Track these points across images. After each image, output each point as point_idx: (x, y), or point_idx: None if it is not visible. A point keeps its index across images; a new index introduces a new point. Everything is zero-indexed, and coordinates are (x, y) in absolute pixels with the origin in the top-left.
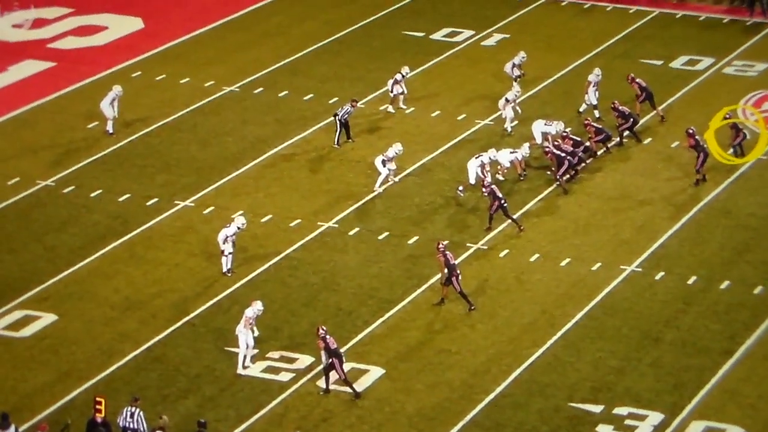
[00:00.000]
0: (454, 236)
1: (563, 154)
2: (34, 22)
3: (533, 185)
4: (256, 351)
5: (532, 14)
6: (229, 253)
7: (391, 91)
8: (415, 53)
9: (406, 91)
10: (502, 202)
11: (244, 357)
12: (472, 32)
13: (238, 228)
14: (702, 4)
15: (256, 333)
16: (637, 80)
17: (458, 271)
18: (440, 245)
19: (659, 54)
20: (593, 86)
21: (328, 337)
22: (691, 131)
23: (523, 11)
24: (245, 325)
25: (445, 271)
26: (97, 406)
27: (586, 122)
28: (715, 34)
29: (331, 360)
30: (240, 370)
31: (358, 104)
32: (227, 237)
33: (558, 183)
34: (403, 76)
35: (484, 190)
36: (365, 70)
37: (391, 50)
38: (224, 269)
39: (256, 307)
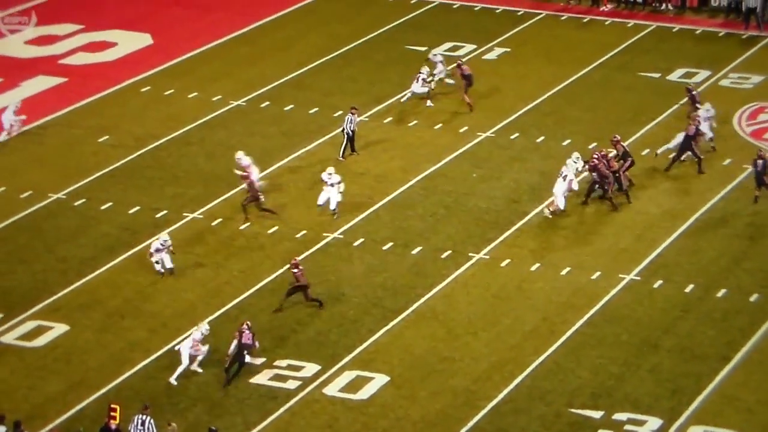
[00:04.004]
0: (457, 246)
1: (598, 178)
2: (46, 38)
3: (534, 195)
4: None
5: (532, 28)
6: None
7: (424, 86)
8: (418, 67)
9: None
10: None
11: (184, 369)
12: (473, 46)
13: (161, 244)
14: (698, 17)
15: (257, 345)
16: (463, 67)
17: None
18: (294, 260)
19: (657, 66)
20: (705, 120)
21: (246, 332)
22: (616, 139)
23: (523, 25)
24: (191, 346)
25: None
26: (112, 414)
27: (616, 139)
28: (712, 48)
29: (239, 351)
30: (173, 380)
31: (362, 117)
32: (155, 250)
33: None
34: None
35: None
36: (369, 84)
37: (394, 64)
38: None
39: (202, 328)
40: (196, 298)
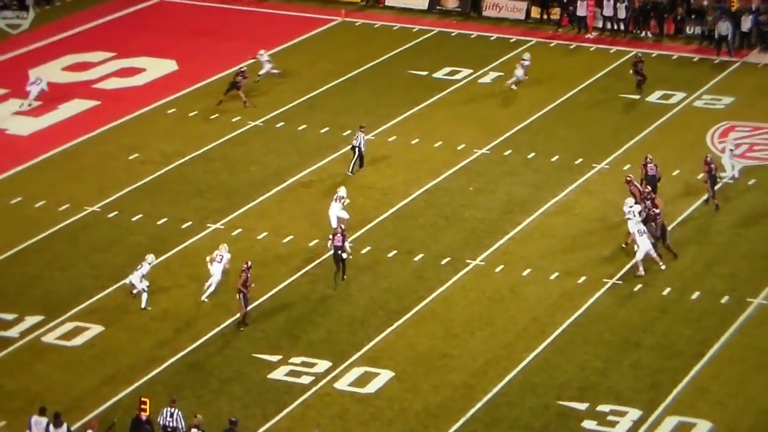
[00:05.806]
0: (455, 253)
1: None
2: (81, 65)
3: (526, 206)
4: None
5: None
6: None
7: (525, 74)
8: (419, 90)
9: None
10: None
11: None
12: (470, 71)
13: (149, 264)
14: (675, 44)
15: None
16: (244, 72)
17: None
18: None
19: (637, 89)
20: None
21: (338, 235)
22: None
23: (515, 52)
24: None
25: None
26: (143, 406)
27: (649, 160)
28: (687, 71)
29: (335, 252)
30: (204, 298)
31: (368, 136)
32: (142, 276)
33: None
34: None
35: None
36: (375, 105)
37: (397, 87)
38: (143, 305)
39: (224, 254)
40: (217, 300)
